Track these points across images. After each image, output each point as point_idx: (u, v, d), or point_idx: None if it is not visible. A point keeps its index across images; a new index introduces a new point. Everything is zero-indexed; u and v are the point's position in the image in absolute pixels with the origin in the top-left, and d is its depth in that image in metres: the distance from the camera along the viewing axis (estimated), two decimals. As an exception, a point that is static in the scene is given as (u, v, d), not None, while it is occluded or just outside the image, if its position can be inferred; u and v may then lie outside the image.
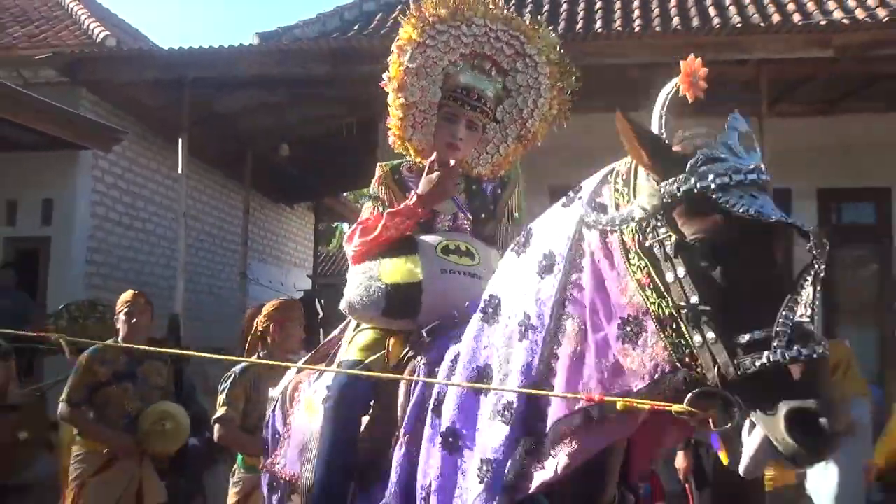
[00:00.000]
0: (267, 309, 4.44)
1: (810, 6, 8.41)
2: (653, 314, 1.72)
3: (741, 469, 1.67)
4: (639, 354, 1.73)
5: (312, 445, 2.54)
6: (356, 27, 9.13)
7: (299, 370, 3.01)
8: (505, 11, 2.76)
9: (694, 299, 1.66)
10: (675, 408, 1.68)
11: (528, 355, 1.89)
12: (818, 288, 1.67)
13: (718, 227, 1.66)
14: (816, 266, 1.65)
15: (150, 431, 4.33)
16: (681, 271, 1.68)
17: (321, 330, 6.75)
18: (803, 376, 1.56)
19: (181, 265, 8.21)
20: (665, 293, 1.71)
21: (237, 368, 4.24)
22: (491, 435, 1.91)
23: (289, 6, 52.75)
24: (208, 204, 12.29)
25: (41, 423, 4.97)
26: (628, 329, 1.75)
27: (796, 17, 8.12)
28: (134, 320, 4.51)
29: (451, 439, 1.98)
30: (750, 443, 1.69)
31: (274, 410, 3.03)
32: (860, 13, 8.03)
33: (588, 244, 1.85)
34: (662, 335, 1.71)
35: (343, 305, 2.52)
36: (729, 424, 1.66)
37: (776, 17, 8.19)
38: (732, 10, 8.55)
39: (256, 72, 7.66)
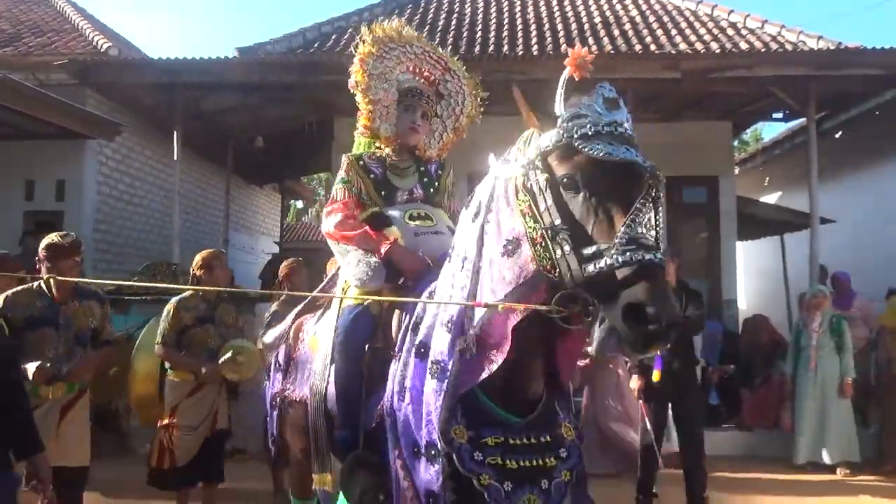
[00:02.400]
0: (282, 267, 4.79)
1: (663, 39, 8.78)
2: (528, 235, 1.77)
3: (592, 350, 1.78)
4: (511, 264, 1.80)
5: (316, 373, 2.59)
6: (316, 45, 9.16)
7: (298, 315, 3.01)
8: (429, 42, 2.92)
9: (557, 221, 1.72)
10: (543, 308, 1.74)
11: (464, 279, 1.96)
12: (659, 212, 1.72)
13: (578, 166, 1.72)
14: (654, 194, 1.70)
15: (229, 362, 4.23)
16: (549, 201, 1.74)
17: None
18: (639, 278, 1.57)
19: (176, 233, 8.21)
20: (539, 218, 1.76)
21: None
22: (440, 342, 1.97)
23: (259, 22, 51.48)
24: (195, 184, 12.15)
25: (128, 359, 4.77)
26: (509, 248, 1.82)
27: (653, 47, 8.43)
28: (212, 273, 4.37)
29: (422, 350, 2.03)
30: (599, 332, 1.66)
31: (277, 348, 3.06)
32: (700, 46, 8.51)
33: (496, 191, 1.92)
34: (532, 250, 1.76)
35: (353, 283, 2.46)
36: (589, 318, 1.70)
37: (638, 47, 8.49)
38: (606, 40, 8.85)
39: (239, 79, 7.69)
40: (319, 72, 7.59)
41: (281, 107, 9.20)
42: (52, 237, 3.47)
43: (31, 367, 3.18)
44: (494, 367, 1.85)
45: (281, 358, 3.01)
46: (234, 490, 4.82)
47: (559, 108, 1.81)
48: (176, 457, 4.18)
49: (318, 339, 2.71)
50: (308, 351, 2.79)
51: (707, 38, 8.75)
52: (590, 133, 1.71)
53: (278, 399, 2.98)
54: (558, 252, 1.70)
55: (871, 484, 5.89)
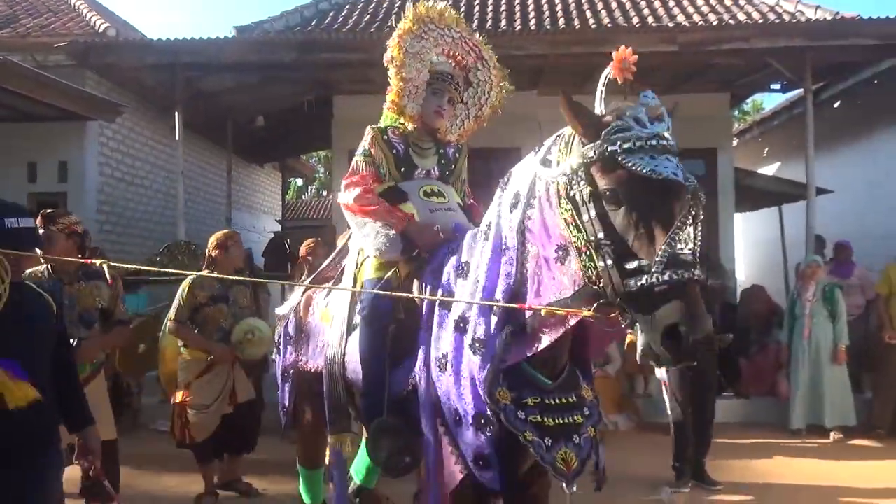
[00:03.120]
0: (303, 247, 4.90)
1: (661, 11, 8.80)
2: (573, 244, 1.81)
3: (638, 359, 1.77)
4: (566, 271, 1.85)
5: (331, 344, 2.66)
6: (314, 22, 9.18)
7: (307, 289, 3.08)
8: (468, 26, 2.91)
9: (600, 235, 1.74)
10: (585, 313, 1.81)
11: (507, 267, 2.02)
12: (698, 228, 1.73)
13: (621, 181, 1.72)
14: (694, 211, 1.71)
15: (241, 341, 4.30)
16: (592, 213, 1.76)
17: (288, 262, 7.05)
18: (676, 295, 1.62)
19: (180, 213, 8.29)
20: (582, 229, 1.78)
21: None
22: (483, 321, 2.05)
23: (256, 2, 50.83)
24: (196, 164, 12.18)
25: (156, 337, 4.87)
26: (560, 253, 1.86)
27: (650, 20, 8.49)
28: (227, 252, 4.43)
29: (461, 324, 2.11)
30: (640, 345, 1.70)
31: (287, 321, 3.13)
32: (697, 18, 8.52)
33: (538, 190, 1.95)
34: (578, 259, 1.81)
35: (372, 253, 2.52)
36: (625, 325, 1.77)
37: (635, 20, 8.55)
38: (604, 13, 8.89)
39: (237, 58, 7.70)
40: (318, 50, 7.63)
41: (280, 85, 9.20)
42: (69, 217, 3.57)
43: None
44: (540, 347, 1.96)
45: (291, 330, 3.08)
46: (259, 460, 4.89)
47: (599, 107, 1.85)
48: (193, 434, 4.28)
49: (331, 310, 2.79)
50: (320, 322, 2.87)
51: (705, 9, 8.81)
52: (633, 147, 1.72)
53: (291, 371, 3.07)
54: (601, 264, 1.74)
55: (864, 447, 6.07)
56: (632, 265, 1.69)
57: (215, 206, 12.62)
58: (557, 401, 2.05)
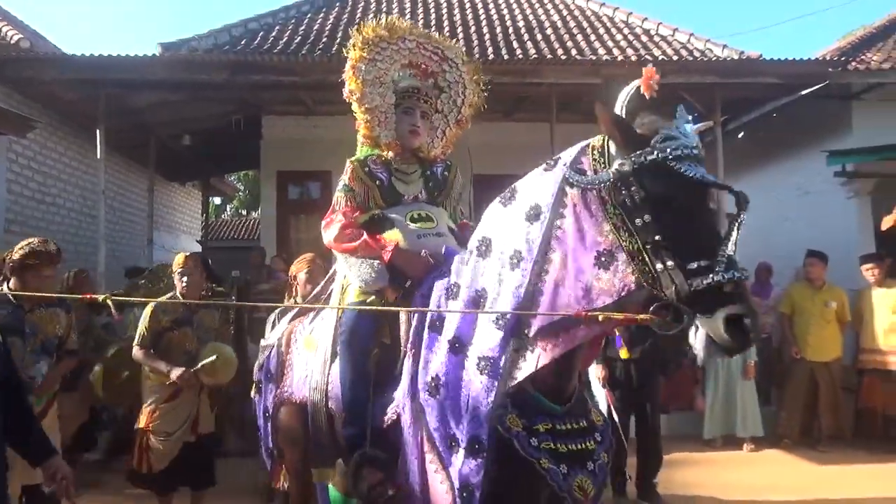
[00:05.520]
0: (294, 265, 4.41)
1: (583, 44, 9.24)
2: (625, 249, 1.82)
3: (698, 360, 1.81)
4: (609, 278, 1.84)
5: (315, 372, 2.58)
6: (243, 42, 9.07)
7: (292, 320, 2.99)
8: (423, 30, 2.84)
9: (658, 237, 1.76)
10: (641, 317, 1.80)
11: (518, 280, 1.97)
12: (739, 231, 1.80)
13: (676, 186, 1.78)
14: (741, 216, 1.81)
15: (205, 367, 4.18)
16: (647, 217, 1.79)
17: (212, 284, 6.85)
18: (733, 291, 1.70)
19: (101, 234, 7.99)
20: (634, 233, 1.80)
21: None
22: (488, 338, 1.99)
23: (178, 15, 49.10)
24: (114, 183, 11.70)
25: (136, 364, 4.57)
26: (602, 259, 1.85)
27: (573, 52, 8.89)
28: (186, 278, 4.29)
29: (456, 344, 2.04)
30: (698, 341, 1.74)
31: (269, 355, 3.02)
32: (617, 52, 9.00)
33: (570, 198, 1.94)
34: (631, 264, 1.81)
35: (357, 284, 2.46)
36: (679, 327, 1.76)
37: (560, 52, 8.90)
38: (529, 44, 9.20)
39: (166, 76, 7.53)
40: (250, 71, 7.58)
41: (207, 104, 9.06)
42: (32, 243, 3.35)
43: None
44: (545, 363, 1.92)
45: (273, 367, 2.97)
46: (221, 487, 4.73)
47: (620, 111, 1.94)
48: (152, 461, 4.14)
49: (315, 338, 2.71)
50: (304, 351, 2.79)
51: (623, 43, 9.29)
52: (682, 154, 1.79)
53: (272, 410, 2.94)
54: (659, 266, 1.76)
55: (772, 456, 6.53)
56: (693, 265, 1.72)
57: (134, 226, 12.16)
58: (569, 426, 2.02)
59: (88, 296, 3.21)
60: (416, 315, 2.23)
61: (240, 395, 5.23)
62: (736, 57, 8.81)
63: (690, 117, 1.89)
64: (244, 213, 28.44)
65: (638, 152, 1.82)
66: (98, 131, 7.76)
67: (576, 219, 1.92)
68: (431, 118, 2.72)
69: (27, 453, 2.37)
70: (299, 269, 4.23)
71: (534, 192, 2.03)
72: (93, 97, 7.74)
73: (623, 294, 1.82)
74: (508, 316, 1.96)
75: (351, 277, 2.50)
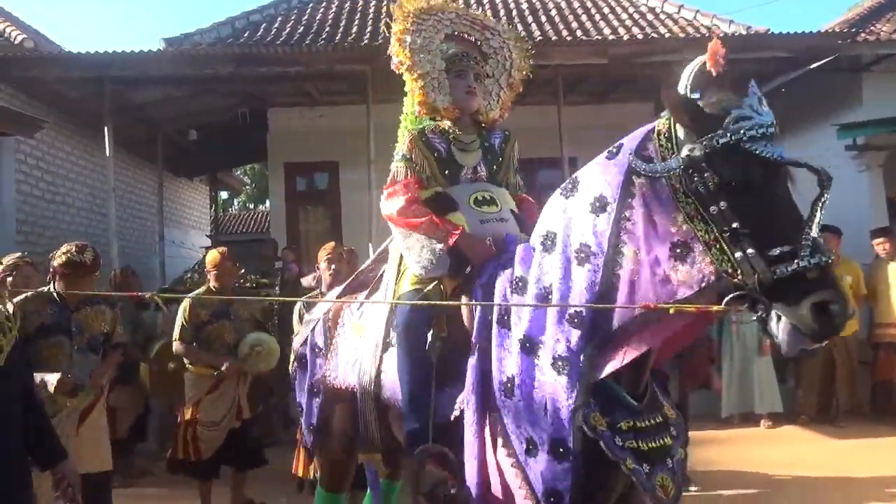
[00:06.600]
0: (321, 253, 4.47)
1: (588, 25, 9.20)
2: (700, 239, 1.71)
3: (783, 351, 1.70)
4: (687, 269, 1.73)
5: (364, 360, 2.50)
6: (246, 34, 9.06)
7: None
8: (459, 5, 2.80)
9: (735, 224, 1.65)
10: (716, 308, 1.71)
11: (590, 275, 1.86)
12: (822, 212, 1.68)
13: (751, 169, 1.67)
14: (824, 196, 1.67)
15: (249, 355, 4.36)
16: (723, 204, 1.67)
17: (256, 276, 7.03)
18: (819, 277, 1.60)
19: (113, 232, 8.02)
20: (710, 222, 1.70)
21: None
22: (563, 337, 1.88)
23: (180, 8, 49.04)
24: (123, 180, 11.74)
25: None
26: (678, 251, 1.74)
27: (579, 33, 8.84)
28: (216, 272, 4.45)
29: (528, 344, 1.94)
30: (782, 331, 1.65)
31: (314, 331, 2.94)
32: (622, 31, 8.93)
33: (638, 188, 1.82)
34: (708, 254, 1.71)
35: (416, 270, 2.32)
36: (755, 318, 1.69)
37: (565, 32, 8.87)
38: (534, 26, 9.18)
39: (171, 71, 7.54)
40: (256, 63, 7.57)
41: (212, 97, 9.06)
42: (71, 251, 3.36)
43: (51, 379, 3.13)
44: (629, 359, 1.83)
45: (320, 342, 2.90)
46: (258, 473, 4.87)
47: (685, 91, 1.80)
48: (201, 450, 4.29)
49: (364, 323, 2.62)
50: (352, 335, 2.70)
51: (629, 22, 9.22)
52: (757, 135, 1.68)
53: (321, 386, 2.88)
54: (738, 254, 1.66)
55: (790, 433, 6.53)
56: (775, 252, 1.63)
57: (144, 223, 12.19)
58: (648, 422, 1.92)
59: (136, 294, 3.28)
60: (475, 308, 2.12)
61: (281, 385, 5.41)
62: (744, 32, 8.70)
63: (760, 93, 1.76)
64: (251, 206, 28.50)
65: (710, 136, 1.71)
66: (106, 129, 7.76)
67: (646, 209, 1.81)
68: (483, 82, 2.63)
69: (37, 456, 2.37)
70: (321, 258, 4.39)
71: (598, 182, 1.92)
72: (98, 95, 7.75)
73: (703, 285, 1.72)
74: (584, 314, 1.86)
75: (409, 261, 2.36)
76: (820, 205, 1.67)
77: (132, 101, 8.51)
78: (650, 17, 9.50)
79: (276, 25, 9.24)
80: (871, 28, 8.73)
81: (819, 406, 6.84)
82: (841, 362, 6.74)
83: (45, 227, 10.00)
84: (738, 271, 1.67)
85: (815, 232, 1.64)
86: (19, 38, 8.96)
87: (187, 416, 4.37)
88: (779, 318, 1.66)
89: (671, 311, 1.73)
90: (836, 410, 6.80)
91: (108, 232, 8.05)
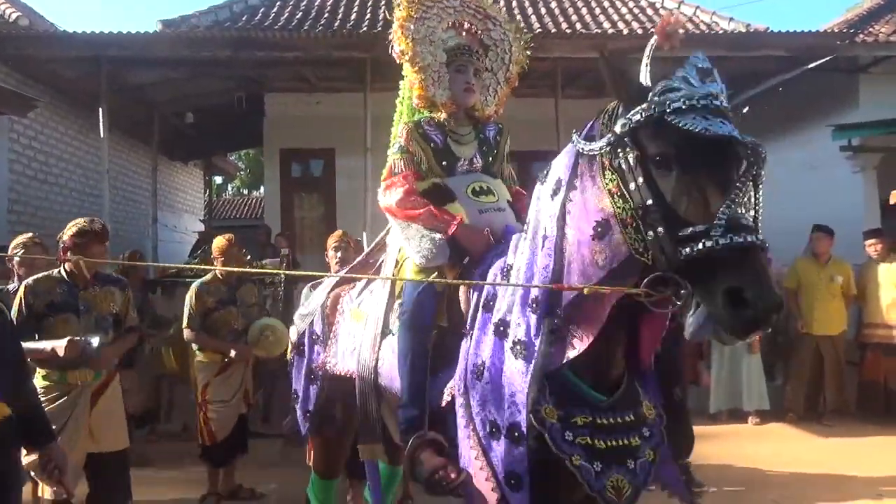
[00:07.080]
0: (330, 240, 4.50)
1: (588, 19, 9.20)
2: (617, 216, 1.65)
3: (687, 335, 1.60)
4: (602, 248, 1.68)
5: (364, 347, 2.50)
6: (244, 18, 9.00)
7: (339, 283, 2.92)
8: None
9: (649, 202, 1.59)
10: (633, 291, 1.63)
11: (545, 259, 1.84)
12: (759, 190, 1.57)
13: (671, 143, 1.58)
14: (755, 172, 1.56)
15: (259, 340, 4.44)
16: (640, 180, 1.61)
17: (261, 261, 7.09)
18: (738, 261, 1.47)
19: (106, 214, 7.98)
20: (628, 198, 1.63)
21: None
22: (523, 321, 1.87)
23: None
24: (115, 162, 11.66)
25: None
26: (599, 230, 1.69)
27: (578, 26, 8.86)
28: (223, 259, 4.49)
29: (501, 328, 1.94)
30: (693, 318, 1.55)
31: (313, 321, 2.93)
32: (622, 25, 8.92)
33: (580, 168, 1.79)
34: (623, 232, 1.64)
35: (416, 260, 2.31)
36: (680, 303, 1.58)
37: (564, 25, 8.88)
38: (533, 18, 9.18)
39: (168, 53, 7.48)
40: (253, 47, 7.53)
41: (209, 81, 9.00)
42: (80, 223, 3.41)
43: (59, 344, 3.15)
44: (584, 346, 1.78)
45: (318, 329, 2.90)
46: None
47: (645, 78, 1.68)
48: (214, 430, 4.37)
49: (364, 311, 2.63)
50: (351, 322, 2.70)
51: (628, 17, 9.22)
52: (683, 107, 1.57)
53: (320, 372, 2.87)
54: (650, 234, 1.58)
55: (777, 430, 6.58)
56: (685, 232, 1.53)
57: (137, 206, 12.13)
58: (611, 420, 1.84)
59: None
60: (474, 295, 2.11)
61: (265, 381, 5.54)
62: (743, 30, 8.71)
63: (709, 65, 1.65)
64: (245, 192, 28.40)
65: (635, 109, 1.63)
66: (101, 110, 7.71)
67: (583, 190, 1.77)
68: (482, 76, 2.64)
69: (27, 436, 2.37)
70: (329, 245, 4.43)
71: (558, 166, 1.91)
72: (93, 75, 7.69)
73: (613, 265, 1.66)
74: (540, 298, 1.83)
75: (409, 251, 2.37)
76: (750, 181, 1.55)
77: (128, 82, 8.45)
78: (650, 11, 9.49)
79: (274, 10, 9.18)
80: (870, 29, 8.75)
81: (806, 404, 6.90)
82: (830, 361, 6.80)
83: (38, 207, 9.94)
84: (650, 252, 1.60)
85: (741, 210, 1.53)
86: (14, 15, 8.86)
87: (198, 398, 4.47)
88: (698, 305, 1.56)
89: (585, 291, 1.68)
90: (824, 408, 6.86)
91: (102, 214, 7.98)
